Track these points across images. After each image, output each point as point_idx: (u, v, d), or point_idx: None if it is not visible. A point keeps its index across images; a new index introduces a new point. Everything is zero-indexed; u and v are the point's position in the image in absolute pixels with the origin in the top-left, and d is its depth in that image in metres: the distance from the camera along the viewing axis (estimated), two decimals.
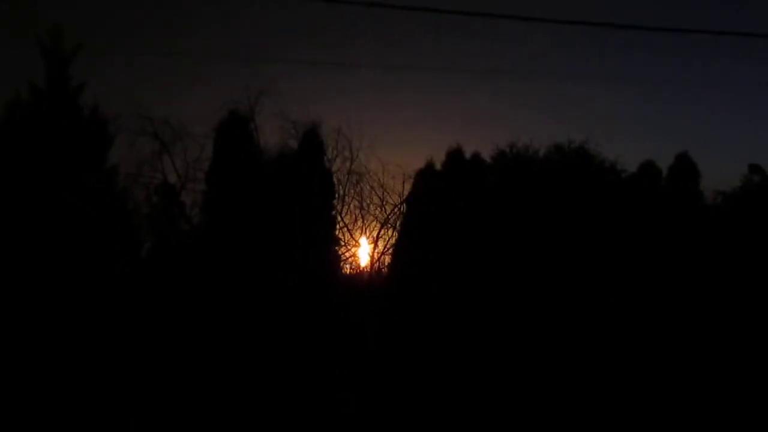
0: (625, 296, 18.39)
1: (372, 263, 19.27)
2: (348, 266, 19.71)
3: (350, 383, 16.89)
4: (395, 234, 19.35)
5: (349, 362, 17.07)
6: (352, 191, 19.13)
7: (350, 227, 19.33)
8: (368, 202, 19.16)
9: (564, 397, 17.12)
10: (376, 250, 19.29)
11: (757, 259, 18.89)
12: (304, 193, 18.11)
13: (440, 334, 17.57)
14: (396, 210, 19.17)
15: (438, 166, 20.05)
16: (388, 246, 19.36)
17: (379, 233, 19.17)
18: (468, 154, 20.32)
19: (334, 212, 19.15)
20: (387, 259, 19.54)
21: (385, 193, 19.08)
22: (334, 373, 16.85)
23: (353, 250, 19.53)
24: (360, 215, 19.28)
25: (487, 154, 20.45)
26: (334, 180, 19.13)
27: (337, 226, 19.23)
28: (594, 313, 18.18)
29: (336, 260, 19.20)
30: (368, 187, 19.08)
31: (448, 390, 16.94)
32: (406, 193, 19.27)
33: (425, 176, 19.64)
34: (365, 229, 19.37)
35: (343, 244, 19.32)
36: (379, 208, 19.15)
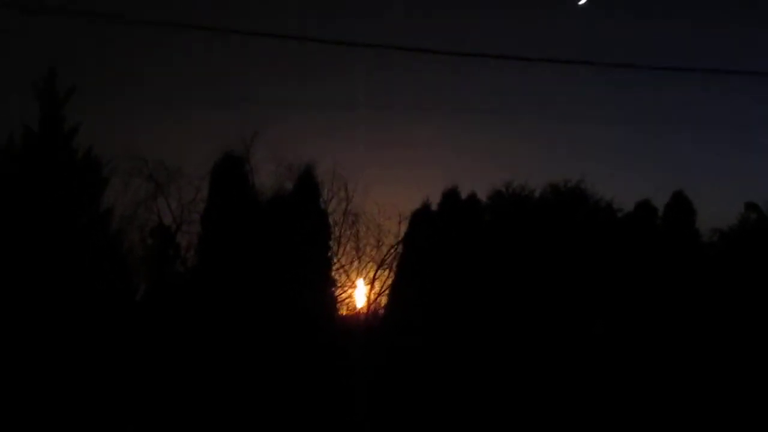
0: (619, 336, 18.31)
1: (369, 304, 19.14)
2: (345, 307, 19.61)
3: None
4: (392, 275, 19.25)
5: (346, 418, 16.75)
6: (348, 232, 19.19)
7: (347, 268, 19.28)
8: (364, 243, 19.18)
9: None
10: (372, 291, 19.19)
11: (754, 297, 18.84)
12: (300, 234, 18.02)
13: (436, 378, 17.35)
14: (392, 251, 19.12)
15: (434, 206, 20.01)
16: (384, 287, 19.26)
17: (375, 274, 19.09)
18: (464, 194, 20.27)
19: (330, 253, 19.07)
20: (383, 300, 19.43)
21: (382, 234, 19.10)
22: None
23: (350, 291, 19.45)
24: (356, 256, 19.28)
25: (483, 194, 20.44)
26: (330, 221, 19.16)
27: (333, 268, 19.15)
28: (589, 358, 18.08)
29: (332, 302, 19.05)
30: (364, 228, 19.10)
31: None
32: (402, 233, 19.24)
33: (421, 217, 19.58)
34: (362, 270, 19.33)
35: (339, 285, 19.21)
36: (375, 249, 19.13)
